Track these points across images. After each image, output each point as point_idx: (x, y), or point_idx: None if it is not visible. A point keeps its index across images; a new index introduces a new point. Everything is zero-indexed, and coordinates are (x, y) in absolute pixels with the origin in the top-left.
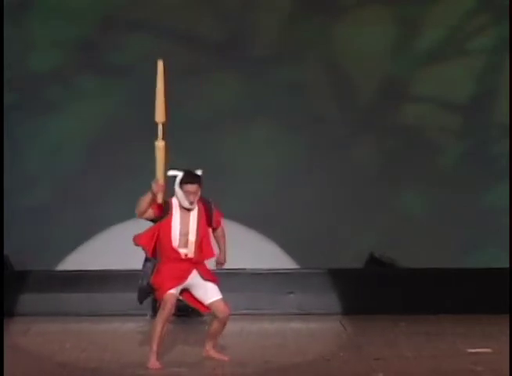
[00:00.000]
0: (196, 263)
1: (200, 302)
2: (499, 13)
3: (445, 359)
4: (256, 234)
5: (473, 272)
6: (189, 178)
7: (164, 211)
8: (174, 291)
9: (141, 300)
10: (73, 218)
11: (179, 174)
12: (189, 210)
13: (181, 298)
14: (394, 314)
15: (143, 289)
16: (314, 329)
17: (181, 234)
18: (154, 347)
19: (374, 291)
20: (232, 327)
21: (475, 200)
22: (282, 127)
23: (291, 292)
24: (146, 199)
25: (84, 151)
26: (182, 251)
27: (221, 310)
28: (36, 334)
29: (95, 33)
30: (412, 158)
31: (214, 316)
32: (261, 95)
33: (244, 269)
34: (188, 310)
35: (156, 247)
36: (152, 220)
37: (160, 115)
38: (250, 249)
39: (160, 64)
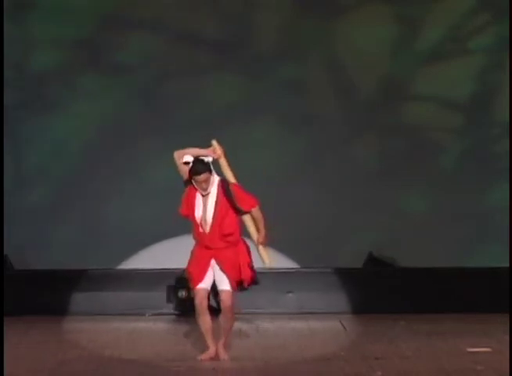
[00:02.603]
0: (214, 250)
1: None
2: (500, 12)
3: (445, 358)
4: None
5: (473, 272)
6: (196, 169)
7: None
8: (203, 286)
9: None
10: (73, 218)
11: (191, 163)
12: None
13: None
14: (394, 313)
15: None
16: (314, 328)
17: (202, 215)
18: (207, 342)
19: (374, 290)
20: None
21: (475, 200)
22: (282, 126)
23: (291, 292)
24: (194, 151)
25: (84, 151)
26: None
27: (223, 300)
28: (36, 333)
29: (96, 32)
30: (412, 158)
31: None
32: (261, 94)
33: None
34: (187, 310)
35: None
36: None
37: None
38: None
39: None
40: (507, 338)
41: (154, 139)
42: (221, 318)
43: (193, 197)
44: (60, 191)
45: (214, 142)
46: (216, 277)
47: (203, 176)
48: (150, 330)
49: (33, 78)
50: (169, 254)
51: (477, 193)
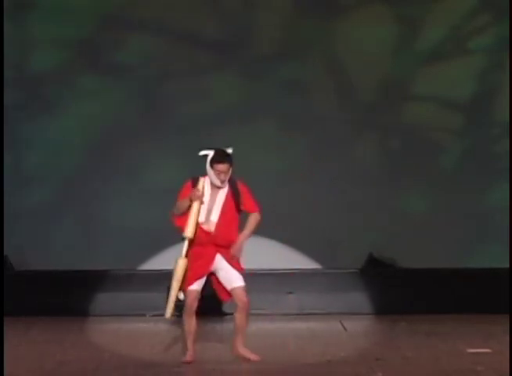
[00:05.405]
0: (220, 246)
1: (224, 288)
2: (500, 13)
3: (445, 359)
4: (255, 234)
5: (473, 272)
6: (220, 157)
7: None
8: (195, 287)
9: None
10: (73, 218)
11: (210, 153)
12: (218, 188)
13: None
14: (394, 314)
15: None
16: (314, 329)
17: (207, 211)
18: (187, 343)
19: (374, 291)
20: (232, 326)
21: (475, 200)
22: (282, 127)
23: (291, 292)
24: (184, 204)
25: (84, 151)
26: (205, 226)
27: (240, 298)
28: (36, 333)
29: (96, 32)
30: (412, 158)
31: (236, 307)
32: (261, 94)
33: (243, 269)
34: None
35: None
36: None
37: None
38: (249, 249)
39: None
40: (507, 338)
41: (154, 139)
42: (237, 315)
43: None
44: (60, 191)
45: (201, 184)
46: (224, 276)
47: (225, 166)
48: (151, 331)
49: (33, 78)
50: (169, 255)
51: (477, 193)
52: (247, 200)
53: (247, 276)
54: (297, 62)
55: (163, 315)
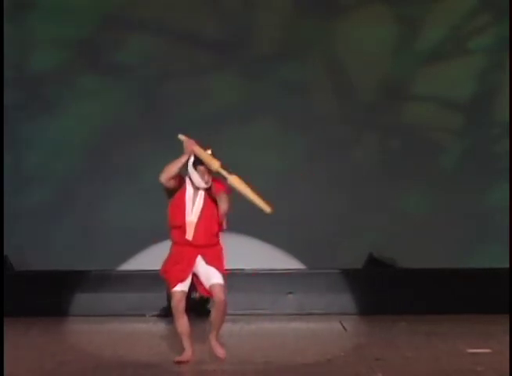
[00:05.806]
0: (201, 247)
1: (203, 284)
2: (500, 13)
3: (445, 359)
4: (256, 234)
5: (473, 272)
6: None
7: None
8: (179, 288)
9: None
10: (73, 218)
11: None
12: (198, 189)
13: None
14: (394, 314)
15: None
16: (314, 329)
17: (187, 212)
18: (184, 344)
19: (374, 291)
20: (232, 327)
21: (475, 200)
22: (282, 126)
23: (291, 292)
24: (177, 163)
25: (84, 151)
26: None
27: (218, 295)
28: (36, 333)
29: (96, 32)
30: (412, 158)
31: (213, 304)
32: (261, 94)
33: (243, 269)
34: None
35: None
36: (169, 192)
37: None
38: (249, 249)
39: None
40: (507, 338)
41: (154, 139)
42: (214, 312)
43: (182, 198)
44: (60, 191)
45: (182, 137)
46: (203, 274)
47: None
48: (150, 331)
49: (33, 78)
50: None
51: (477, 193)
52: (216, 185)
53: (248, 276)
54: (297, 62)
55: (163, 315)
